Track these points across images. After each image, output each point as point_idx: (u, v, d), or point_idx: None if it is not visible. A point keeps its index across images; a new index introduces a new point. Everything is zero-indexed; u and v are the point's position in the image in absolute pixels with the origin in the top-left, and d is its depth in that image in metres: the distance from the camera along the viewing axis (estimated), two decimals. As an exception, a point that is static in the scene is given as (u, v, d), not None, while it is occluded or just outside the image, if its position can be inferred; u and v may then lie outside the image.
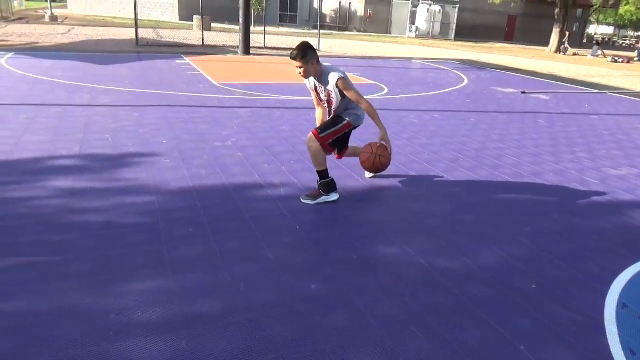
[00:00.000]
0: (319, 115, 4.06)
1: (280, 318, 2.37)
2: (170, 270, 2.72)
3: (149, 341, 2.15)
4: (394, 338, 2.28)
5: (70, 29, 21.22)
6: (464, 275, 2.90)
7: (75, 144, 4.91)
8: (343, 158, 4.26)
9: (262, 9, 33.61)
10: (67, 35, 17.51)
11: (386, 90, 9.66)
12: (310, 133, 3.75)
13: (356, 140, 4.75)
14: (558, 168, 5.21)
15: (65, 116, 5.97)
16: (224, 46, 16.56)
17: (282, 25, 36.10)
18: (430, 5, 34.05)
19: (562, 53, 27.56)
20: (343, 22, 35.44)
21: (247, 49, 14.81)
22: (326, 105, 3.86)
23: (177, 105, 7.02)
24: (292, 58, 3.55)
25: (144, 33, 15.80)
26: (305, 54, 3.51)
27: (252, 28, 30.64)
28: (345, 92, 3.62)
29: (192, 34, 21.78)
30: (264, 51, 16.18)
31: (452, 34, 34.48)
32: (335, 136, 3.81)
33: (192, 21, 31.33)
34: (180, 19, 32.78)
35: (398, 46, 23.79)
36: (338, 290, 2.65)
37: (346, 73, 3.71)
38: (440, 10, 34.17)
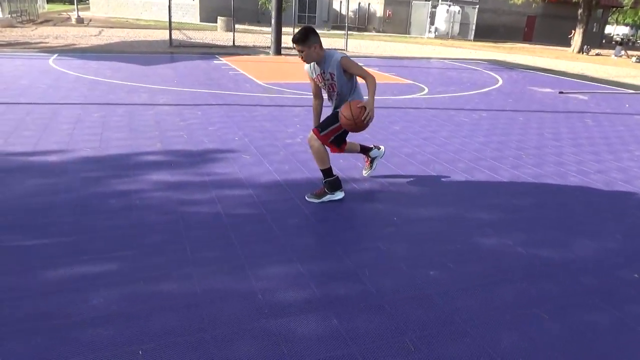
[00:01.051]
0: (315, 107, 3.94)
1: (409, 302, 2.53)
2: (294, 256, 2.90)
3: (303, 318, 2.32)
4: (527, 322, 2.44)
5: (100, 30, 21.62)
6: (565, 265, 3.04)
7: (154, 140, 5.12)
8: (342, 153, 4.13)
9: (283, 9, 34.06)
10: (100, 37, 17.87)
11: (427, 90, 9.78)
12: (311, 132, 3.72)
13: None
14: (620, 166, 5.31)
15: (134, 115, 6.20)
16: (254, 46, 16.80)
17: (300, 25, 36.34)
18: (450, 5, 34.09)
19: (584, 53, 27.44)
20: (362, 22, 35.56)
21: (278, 49, 15.03)
22: (326, 94, 3.76)
23: (234, 104, 7.22)
24: (294, 42, 3.44)
25: (173, 34, 16.07)
26: (307, 37, 3.40)
27: (268, 28, 30.87)
28: (350, 70, 3.51)
29: (218, 35, 22.10)
30: (293, 51, 16.38)
31: (472, 34, 34.45)
32: (336, 133, 3.72)
33: (213, 22, 31.68)
34: (200, 21, 33.15)
35: (421, 46, 23.87)
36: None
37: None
38: (459, 10, 34.17)
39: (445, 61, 16.65)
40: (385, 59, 16.21)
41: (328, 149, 3.76)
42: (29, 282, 2.49)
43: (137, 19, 32.93)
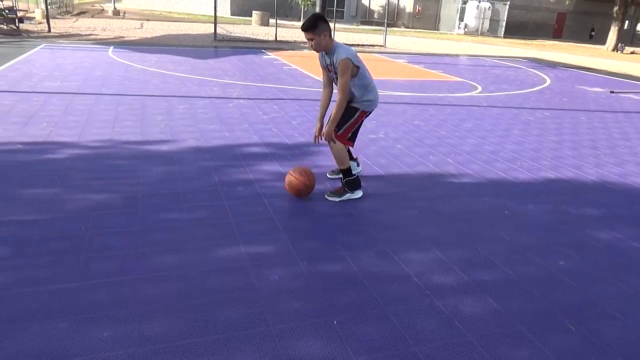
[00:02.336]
0: (324, 97, 3.80)
1: (553, 286, 2.74)
2: (430, 244, 3.13)
3: (467, 298, 2.55)
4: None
5: (141, 23, 22.03)
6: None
7: (248, 133, 5.38)
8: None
9: (312, 4, 34.14)
10: (144, 30, 18.26)
11: (480, 88, 9.90)
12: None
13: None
14: (699, 166, 5.42)
15: (217, 107, 6.47)
16: (294, 41, 17.02)
17: (329, 21, 36.43)
18: (480, 1, 33.84)
19: (619, 51, 27.08)
20: (391, 18, 35.47)
21: (321, 44, 15.22)
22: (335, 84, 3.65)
23: (303, 98, 7.46)
24: (303, 29, 3.37)
25: (207, 28, 16.24)
26: (316, 25, 3.32)
27: (296, 23, 31.01)
28: (339, 75, 3.41)
29: (254, 29, 22.34)
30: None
31: (502, 31, 34.17)
32: (352, 129, 3.68)
33: (243, 16, 31.95)
34: (231, 14, 33.49)
35: (455, 43, 23.85)
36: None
37: (353, 55, 3.45)
38: (490, 7, 33.92)
39: (485, 59, 16.66)
40: (424, 55, 16.29)
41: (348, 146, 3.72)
42: (207, 258, 2.76)
43: (170, 12, 33.38)
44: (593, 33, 30.52)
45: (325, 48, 3.43)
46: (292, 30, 21.23)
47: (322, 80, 3.82)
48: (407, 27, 34.62)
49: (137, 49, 12.22)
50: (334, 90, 3.70)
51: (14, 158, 4.14)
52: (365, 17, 36.59)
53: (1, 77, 7.56)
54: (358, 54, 3.55)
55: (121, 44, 13.29)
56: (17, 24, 14.50)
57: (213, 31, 16.02)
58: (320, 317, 2.33)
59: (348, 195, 3.75)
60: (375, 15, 36.32)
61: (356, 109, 3.65)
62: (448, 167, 4.68)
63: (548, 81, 11.87)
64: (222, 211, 3.38)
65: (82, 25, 19.00)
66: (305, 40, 4.47)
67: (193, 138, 5.05)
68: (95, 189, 3.61)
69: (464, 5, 34.04)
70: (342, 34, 23.05)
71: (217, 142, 4.97)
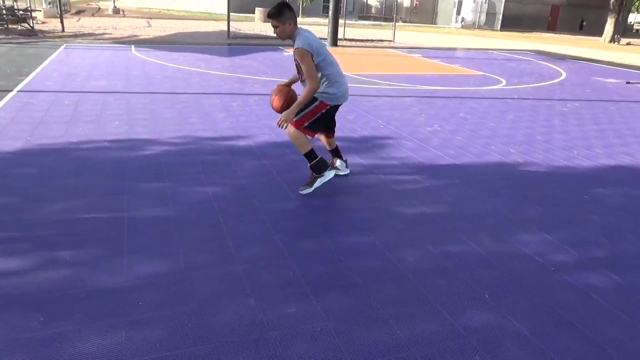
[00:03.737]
0: (292, 77, 3.80)
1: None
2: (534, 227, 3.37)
3: (590, 273, 2.78)
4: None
5: (148, 22, 22.01)
6: None
7: (311, 128, 5.57)
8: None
9: (311, 0, 34.27)
10: (155, 29, 18.28)
11: (504, 81, 10.17)
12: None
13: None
14: None
15: (268, 104, 6.63)
16: (306, 38, 17.17)
17: (326, 17, 36.58)
18: (476, -5, 34.23)
19: (616, 42, 27.59)
20: (389, 12, 35.73)
21: (335, 40, 15.41)
22: (299, 74, 3.61)
23: (349, 94, 7.64)
24: (268, 16, 3.40)
25: (213, 25, 16.30)
26: (281, 12, 3.34)
27: (301, 19, 31.11)
28: (301, 63, 3.40)
29: (258, 26, 22.40)
30: (344, 42, 16.74)
31: (499, 24, 34.59)
32: (310, 118, 3.56)
33: (243, 13, 31.88)
34: (231, 11, 33.48)
35: (457, 37, 24.15)
36: None
37: (314, 44, 3.40)
38: (486, 0, 34.32)
39: (494, 52, 16.96)
40: (435, 50, 16.54)
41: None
42: (334, 244, 2.97)
43: (168, 9, 33.27)
44: (584, 24, 31.13)
45: (290, 36, 3.44)
46: (311, 28, 21.34)
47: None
48: (405, 21, 34.88)
49: (157, 48, 12.31)
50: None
51: (108, 155, 4.30)
52: (363, 12, 36.77)
53: (46, 77, 7.65)
54: (324, 45, 3.53)
55: (139, 42, 13.35)
56: (32, 25, 14.48)
57: (222, 29, 16.15)
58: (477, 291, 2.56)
59: (320, 180, 3.65)
60: (373, 10, 36.56)
61: (315, 99, 3.55)
62: (514, 157, 4.92)
63: (563, 73, 12.17)
64: (337, 203, 3.60)
65: (88, 24, 18.96)
66: (323, 37, 4.59)
67: (263, 133, 5.24)
68: (204, 182, 3.79)
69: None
70: (357, 30, 23.19)
71: (285, 138, 5.15)
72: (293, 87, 3.74)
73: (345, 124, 5.83)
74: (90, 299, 2.32)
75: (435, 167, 4.49)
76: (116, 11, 27.15)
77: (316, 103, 3.55)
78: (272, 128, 5.46)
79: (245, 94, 7.20)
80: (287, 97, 3.60)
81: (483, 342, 2.17)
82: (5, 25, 15.39)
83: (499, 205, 3.71)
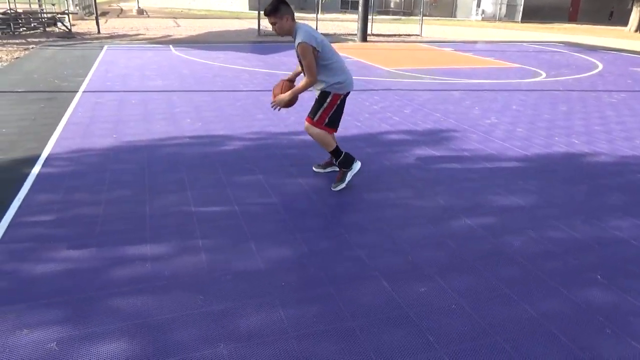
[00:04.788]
0: (292, 74, 3.91)
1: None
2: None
3: None
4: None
5: (175, 22, 22.33)
6: None
7: (377, 122, 5.73)
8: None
9: (330, -4, 34.30)
10: (185, 29, 18.53)
11: (544, 74, 10.20)
12: (305, 121, 3.72)
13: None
14: None
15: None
16: (334, 34, 17.30)
17: (344, 12, 36.63)
18: (497, -13, 33.95)
19: (641, 32, 27.19)
20: (408, 7, 35.68)
21: (364, 36, 15.52)
22: (302, 70, 3.67)
23: (389, 89, 7.80)
24: (265, 14, 3.42)
25: (239, 24, 16.51)
26: (278, 8, 3.38)
27: (320, 15, 31.16)
28: (302, 59, 3.47)
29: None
30: (372, 38, 16.83)
31: (519, 15, 34.27)
32: (329, 113, 3.65)
33: (261, 10, 31.91)
34: (249, 9, 33.68)
35: (480, 29, 24.03)
36: None
37: (316, 37, 3.45)
38: (506, -8, 34.02)
39: (523, 44, 16.90)
40: (464, 43, 16.54)
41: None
42: (445, 230, 3.14)
43: (189, 9, 33.64)
44: (613, 12, 30.95)
45: (289, 32, 3.48)
46: (325, 23, 21.47)
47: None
48: (424, 15, 34.73)
49: (194, 47, 12.56)
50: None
51: (195, 150, 4.51)
52: (382, 7, 36.70)
53: (103, 78, 7.92)
54: (323, 37, 3.57)
55: (175, 42, 13.61)
56: (69, 27, 14.85)
57: (248, 26, 16.35)
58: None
59: (350, 174, 3.76)
60: (392, 5, 36.45)
61: (327, 93, 3.61)
62: (579, 147, 5.03)
63: (599, 65, 12.13)
64: (430, 191, 3.78)
65: (119, 25, 19.32)
66: (349, 33, 4.70)
67: (350, 126, 5.40)
68: (295, 174, 3.99)
69: (480, -8, 34.17)
70: (381, 25, 23.24)
71: (356, 131, 5.34)
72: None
73: (406, 117, 5.99)
74: (236, 281, 2.52)
75: (506, 157, 4.62)
76: (140, 12, 27.53)
77: (330, 98, 3.62)
78: (350, 121, 5.62)
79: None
80: (287, 90, 3.67)
81: (609, 318, 2.32)
82: (43, 28, 15.81)
83: (581, 193, 3.83)
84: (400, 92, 7.53)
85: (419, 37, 17.89)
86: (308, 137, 5.01)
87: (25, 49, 11.42)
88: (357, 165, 3.79)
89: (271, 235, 3.01)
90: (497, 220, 3.31)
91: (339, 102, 3.66)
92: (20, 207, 3.27)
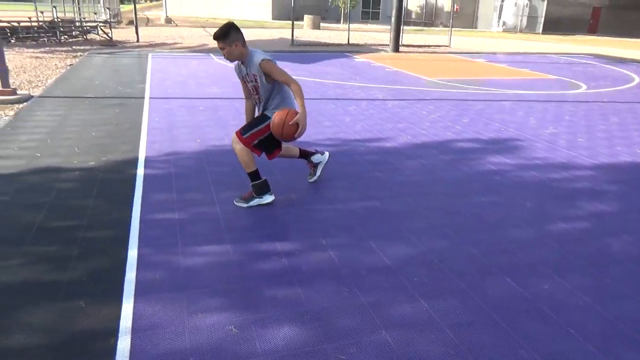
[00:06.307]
0: (248, 109, 3.77)
1: None
2: None
3: None
4: None
5: (205, 30, 22.81)
6: None
7: (442, 130, 5.92)
8: (276, 158, 3.84)
9: (352, 6, 34.73)
10: (214, 37, 18.96)
11: (584, 86, 10.34)
12: (234, 134, 3.54)
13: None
14: None
15: (382, 109, 7.03)
16: (365, 44, 17.59)
17: (366, 22, 37.02)
18: (517, -1, 34.16)
19: (666, 45, 27.15)
20: (429, 17, 35.98)
21: (397, 47, 15.78)
22: (256, 96, 3.57)
23: (440, 99, 8.00)
24: (214, 38, 3.32)
25: (269, 33, 16.84)
26: (227, 34, 3.28)
27: (339, 25, 31.54)
28: (271, 75, 3.38)
29: (307, 33, 22.92)
30: (403, 48, 17.06)
31: (540, 27, 34.39)
32: (260, 136, 3.50)
33: (284, 20, 32.51)
34: (273, 19, 34.22)
35: (506, 41, 24.21)
36: None
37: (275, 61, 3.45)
38: (527, 3, 34.19)
39: (552, 56, 17.04)
40: (494, 54, 16.72)
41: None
42: (549, 232, 3.31)
43: (214, 18, 34.24)
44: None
45: (240, 57, 3.40)
46: (358, 34, 21.82)
47: (243, 92, 3.75)
48: (445, 26, 34.99)
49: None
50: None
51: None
52: (404, 18, 37.01)
53: (162, 85, 8.22)
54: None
55: (214, 51, 13.94)
56: (110, 36, 15.31)
57: (277, 36, 16.69)
58: None
59: (256, 201, 3.59)
60: (413, 16, 36.75)
61: (267, 117, 3.51)
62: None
63: (635, 77, 12.23)
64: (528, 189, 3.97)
65: (153, 34, 19.80)
66: (379, 43, 4.82)
67: (399, 135, 5.61)
68: (384, 179, 4.20)
69: (501, 3, 34.36)
70: (413, 35, 23.53)
71: (425, 138, 5.53)
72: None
73: (466, 126, 6.17)
74: (372, 276, 2.71)
75: (578, 166, 4.78)
76: (168, 21, 28.12)
77: (267, 122, 3.48)
78: (402, 130, 5.84)
79: (349, 99, 7.61)
80: (285, 117, 3.37)
81: None
82: (84, 36, 16.29)
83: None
84: (452, 102, 7.72)
85: (448, 47, 18.12)
86: (385, 143, 5.24)
87: (74, 56, 11.84)
88: (267, 198, 3.61)
89: (388, 233, 3.21)
90: (593, 224, 3.46)
91: None
92: (142, 204, 3.51)
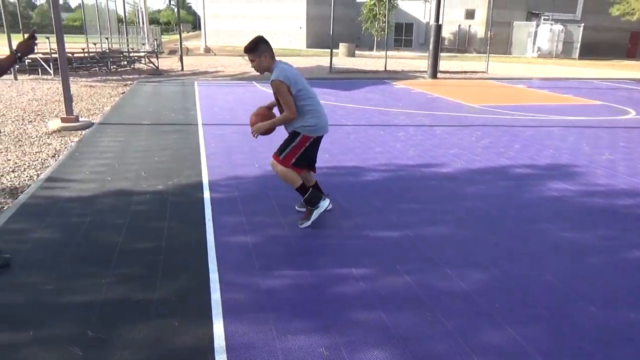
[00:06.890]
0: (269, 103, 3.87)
1: None
2: None
3: None
4: None
5: (244, 59, 23.48)
6: None
7: (495, 155, 5.90)
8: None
9: (386, 34, 35.26)
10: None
11: (633, 111, 10.13)
12: (272, 158, 3.66)
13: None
14: None
15: (431, 135, 7.07)
16: (402, 71, 17.77)
17: (398, 49, 37.39)
18: (552, 24, 33.90)
19: None
20: (462, 44, 36.07)
21: (435, 73, 15.87)
22: (279, 107, 3.65)
23: (486, 125, 7.97)
24: (245, 51, 3.48)
25: (307, 61, 17.18)
26: (256, 46, 3.42)
27: (372, 52, 31.88)
28: (277, 95, 3.50)
29: (343, 60, 23.29)
30: (440, 75, 17.12)
31: (577, 52, 33.96)
32: (296, 153, 3.59)
33: (316, 48, 33.12)
34: (307, 47, 35.00)
35: (543, 66, 23.99)
36: None
37: (291, 76, 3.47)
38: (562, 29, 33.90)
39: (594, 81, 16.78)
40: (530, 79, 16.59)
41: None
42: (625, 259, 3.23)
43: (249, 47, 35.29)
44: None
45: (267, 69, 3.52)
46: (393, 61, 22.12)
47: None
48: (479, 52, 34.98)
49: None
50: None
51: (340, 180, 4.80)
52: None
53: (211, 111, 8.50)
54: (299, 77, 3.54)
55: (256, 79, 14.36)
56: (157, 65, 15.99)
57: (314, 64, 17.02)
58: None
59: (315, 212, 3.64)
60: (446, 42, 36.92)
61: (297, 133, 3.59)
62: None
63: (685, 102, 11.92)
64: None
65: (195, 63, 20.53)
66: (415, 70, 4.78)
67: (453, 161, 5.62)
68: (447, 203, 4.21)
69: (536, 29, 34.19)
70: (448, 62, 23.69)
71: (478, 164, 5.52)
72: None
73: (519, 152, 6.13)
74: (452, 301, 2.71)
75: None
76: (207, 50, 29.14)
77: (299, 138, 3.58)
78: (455, 156, 5.85)
79: (399, 125, 7.68)
80: (265, 119, 3.66)
81: None
82: (130, 66, 17.05)
83: None
84: (501, 128, 7.68)
85: (485, 73, 18.08)
86: (440, 169, 5.26)
87: (125, 84, 12.39)
88: (324, 203, 3.67)
89: (460, 260, 3.20)
90: (670, 254, 3.38)
91: (307, 144, 3.61)
92: (214, 227, 3.63)
